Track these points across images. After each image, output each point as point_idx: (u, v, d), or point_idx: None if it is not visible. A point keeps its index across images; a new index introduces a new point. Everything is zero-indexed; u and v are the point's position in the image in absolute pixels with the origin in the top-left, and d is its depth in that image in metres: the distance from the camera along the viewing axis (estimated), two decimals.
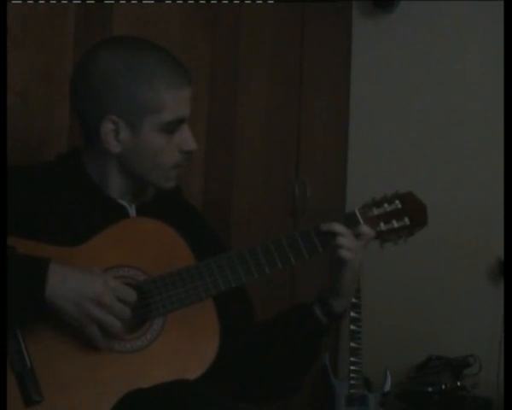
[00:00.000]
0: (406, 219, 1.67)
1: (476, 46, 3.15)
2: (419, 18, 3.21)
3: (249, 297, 1.77)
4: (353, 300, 2.94)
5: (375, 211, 1.66)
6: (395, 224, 1.67)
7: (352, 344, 2.93)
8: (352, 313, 2.94)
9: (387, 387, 2.97)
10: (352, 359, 2.93)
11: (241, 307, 1.74)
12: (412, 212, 1.67)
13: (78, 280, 1.47)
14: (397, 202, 1.67)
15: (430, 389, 2.92)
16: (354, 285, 1.68)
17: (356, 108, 3.27)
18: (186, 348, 1.55)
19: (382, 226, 1.66)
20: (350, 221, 1.65)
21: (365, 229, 1.63)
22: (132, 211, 1.69)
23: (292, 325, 1.69)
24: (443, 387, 2.92)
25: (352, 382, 2.93)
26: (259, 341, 1.71)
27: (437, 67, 3.19)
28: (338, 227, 1.62)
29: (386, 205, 1.67)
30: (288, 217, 2.91)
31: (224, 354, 1.57)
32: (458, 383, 2.93)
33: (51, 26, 2.02)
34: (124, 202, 1.68)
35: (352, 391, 2.93)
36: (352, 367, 2.93)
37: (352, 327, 2.94)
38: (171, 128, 1.63)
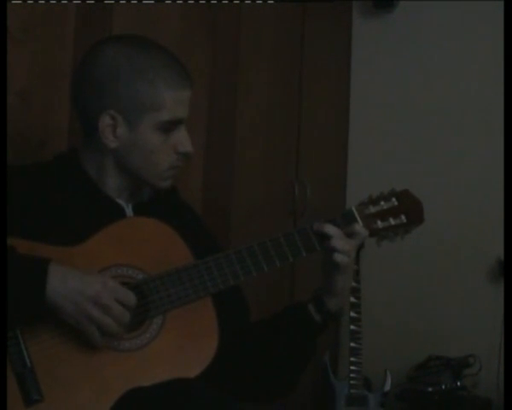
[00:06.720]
0: (403, 217, 1.68)
1: (476, 46, 3.15)
2: (419, 18, 3.22)
3: (245, 296, 1.78)
4: (353, 300, 2.94)
5: (372, 209, 1.67)
6: (392, 221, 1.67)
7: (352, 344, 2.93)
8: (352, 313, 2.94)
9: (387, 387, 2.96)
10: (351, 359, 2.93)
11: (237, 307, 1.74)
12: (409, 209, 1.68)
13: (78, 280, 1.48)
14: (393, 199, 1.68)
15: (430, 389, 2.92)
16: (348, 284, 1.68)
17: (356, 107, 3.27)
18: (186, 346, 1.55)
19: (379, 224, 1.67)
20: (347, 219, 1.65)
21: (360, 229, 1.63)
22: (129, 210, 1.69)
23: (287, 323, 1.69)
24: (443, 387, 2.92)
25: (352, 382, 2.93)
26: (255, 340, 1.71)
27: (437, 67, 3.19)
28: (330, 229, 1.62)
29: (382, 203, 1.68)
30: (288, 217, 2.91)
31: (222, 353, 1.57)
32: (458, 383, 2.93)
33: (51, 26, 2.03)
34: (121, 202, 1.69)
35: (352, 391, 2.93)
36: (352, 367, 2.93)
37: (352, 327, 2.94)
38: (168, 128, 1.63)
